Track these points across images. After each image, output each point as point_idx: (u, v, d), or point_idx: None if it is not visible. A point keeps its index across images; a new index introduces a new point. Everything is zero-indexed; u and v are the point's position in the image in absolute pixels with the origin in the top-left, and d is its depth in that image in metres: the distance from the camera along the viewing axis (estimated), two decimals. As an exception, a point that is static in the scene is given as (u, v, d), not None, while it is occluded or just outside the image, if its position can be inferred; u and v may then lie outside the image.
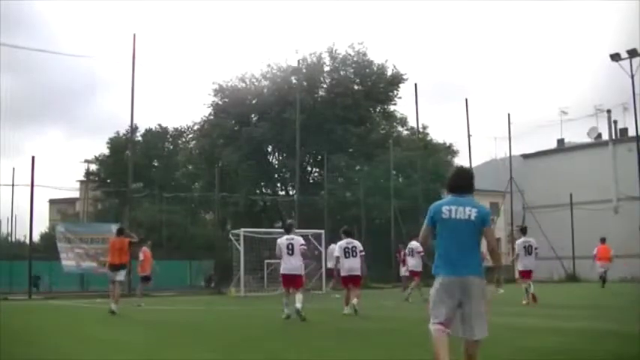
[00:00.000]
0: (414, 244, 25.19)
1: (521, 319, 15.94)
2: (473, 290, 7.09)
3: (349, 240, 19.29)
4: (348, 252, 19.04)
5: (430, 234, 7.48)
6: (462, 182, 7.46)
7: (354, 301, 18.21)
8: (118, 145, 55.74)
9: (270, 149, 53.01)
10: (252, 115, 52.36)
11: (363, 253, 19.33)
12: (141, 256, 26.68)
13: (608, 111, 56.19)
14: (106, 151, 57.80)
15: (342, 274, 19.06)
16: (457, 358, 7.17)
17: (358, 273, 18.98)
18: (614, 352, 10.55)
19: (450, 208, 7.25)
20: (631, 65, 46.40)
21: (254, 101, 51.72)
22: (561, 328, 13.84)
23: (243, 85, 52.09)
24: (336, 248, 19.88)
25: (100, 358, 10.98)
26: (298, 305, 16.46)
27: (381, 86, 53.38)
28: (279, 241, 17.82)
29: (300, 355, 10.85)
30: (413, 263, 25.76)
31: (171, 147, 59.24)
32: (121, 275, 20.56)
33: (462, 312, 7.10)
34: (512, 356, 10.14)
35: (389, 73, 53.54)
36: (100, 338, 13.67)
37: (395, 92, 53.98)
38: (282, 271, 17.66)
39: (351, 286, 18.73)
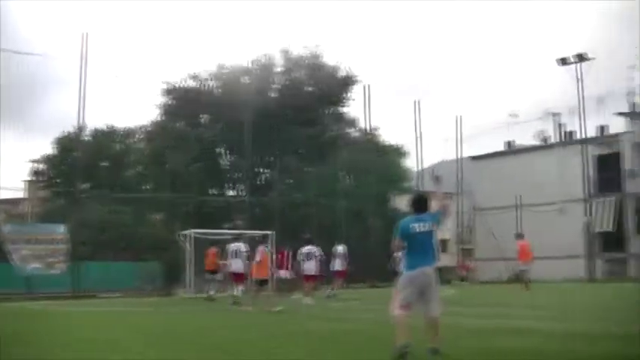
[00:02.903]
0: (341, 247, 27.04)
1: (484, 321, 16.07)
2: (431, 279, 9.92)
3: (309, 247, 25.16)
4: (309, 256, 24.88)
5: (400, 243, 10.13)
6: (422, 204, 10.30)
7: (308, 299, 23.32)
8: (65, 144, 54.94)
9: (220, 150, 52.69)
10: (203, 116, 52.06)
11: (321, 257, 25.32)
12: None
13: (556, 114, 56.97)
14: (53, 151, 56.97)
15: (304, 273, 24.70)
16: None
17: (314, 273, 24.97)
18: (580, 351, 10.73)
19: (415, 224, 10.05)
20: (577, 70, 47.21)
21: (204, 101, 51.39)
22: (525, 329, 13.95)
23: (195, 84, 51.68)
24: (301, 252, 25.28)
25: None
26: (235, 293, 24.37)
27: (333, 88, 53.35)
28: (228, 246, 24.52)
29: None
30: (338, 264, 26.74)
31: (121, 147, 58.55)
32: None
33: (423, 297, 9.86)
34: (475, 357, 10.23)
35: (341, 74, 53.54)
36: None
37: (347, 94, 53.99)
38: (230, 269, 24.53)
39: (309, 283, 24.74)
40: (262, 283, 21.47)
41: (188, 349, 11.99)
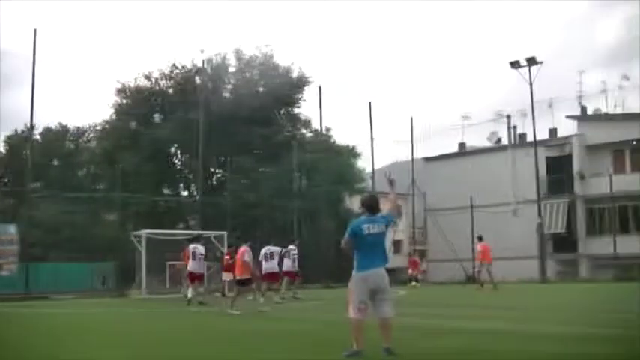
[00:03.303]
0: (292, 247, 28.08)
1: (429, 320, 16.17)
2: (382, 280, 9.99)
3: (268, 247, 25.68)
4: (267, 256, 25.31)
5: (351, 243, 10.13)
6: (374, 205, 10.36)
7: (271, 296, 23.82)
8: (15, 143, 54.36)
9: (173, 150, 52.48)
10: (156, 116, 51.82)
11: (278, 256, 25.87)
12: None
13: (508, 117, 57.53)
14: (3, 150, 56.42)
15: (263, 272, 24.74)
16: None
17: (275, 271, 25.66)
18: (516, 350, 10.82)
19: (367, 225, 10.10)
20: (528, 73, 47.71)
21: (158, 101, 51.17)
22: (467, 329, 14.08)
23: (148, 83, 51.41)
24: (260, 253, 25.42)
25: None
26: (187, 293, 25.28)
27: (286, 88, 53.38)
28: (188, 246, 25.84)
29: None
30: (288, 264, 27.08)
31: (72, 146, 58.03)
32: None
33: (375, 298, 9.91)
34: (417, 357, 10.30)
35: (294, 75, 53.61)
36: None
37: (300, 94, 54.06)
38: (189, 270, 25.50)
39: (269, 281, 25.46)
40: (244, 282, 21.29)
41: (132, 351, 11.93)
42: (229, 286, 27.96)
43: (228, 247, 30.15)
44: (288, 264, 27.35)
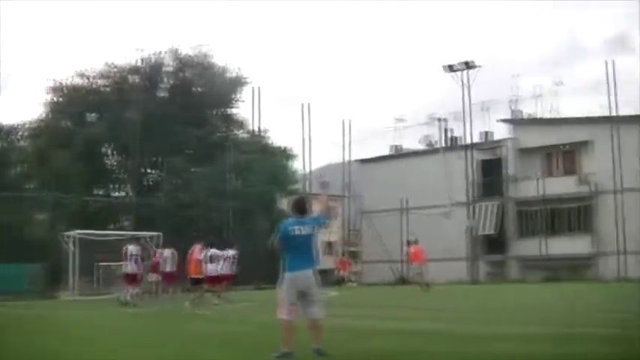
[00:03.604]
0: (232, 252, 27.60)
1: (361, 322, 16.26)
2: (311, 281, 10.15)
3: (214, 250, 25.37)
4: (211, 259, 24.93)
5: (280, 245, 10.33)
6: (302, 208, 10.59)
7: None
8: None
9: (107, 150, 51.87)
10: (90, 115, 51.16)
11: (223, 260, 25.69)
12: None
13: (442, 120, 58.06)
14: None
15: (208, 275, 24.57)
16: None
17: (218, 274, 25.19)
18: (446, 352, 10.95)
19: (296, 227, 10.29)
20: (464, 76, 48.24)
21: (92, 99, 50.52)
22: (399, 330, 14.19)
23: (82, 82, 50.73)
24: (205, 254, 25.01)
25: None
26: (124, 296, 24.44)
27: (222, 89, 53.20)
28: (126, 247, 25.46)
29: None
30: (227, 268, 26.81)
31: (3, 145, 56.98)
32: None
33: (305, 299, 10.07)
34: (349, 359, 10.37)
35: (231, 75, 53.41)
36: None
37: (236, 95, 53.92)
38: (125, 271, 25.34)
39: (211, 284, 24.88)
40: (197, 282, 21.13)
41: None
42: (155, 288, 27.92)
43: (156, 247, 30.13)
44: (227, 267, 27.25)
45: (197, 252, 21.07)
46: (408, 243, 34.67)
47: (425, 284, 32.32)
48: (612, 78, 44.31)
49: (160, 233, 35.02)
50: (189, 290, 22.71)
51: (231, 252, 27.73)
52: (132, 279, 25.44)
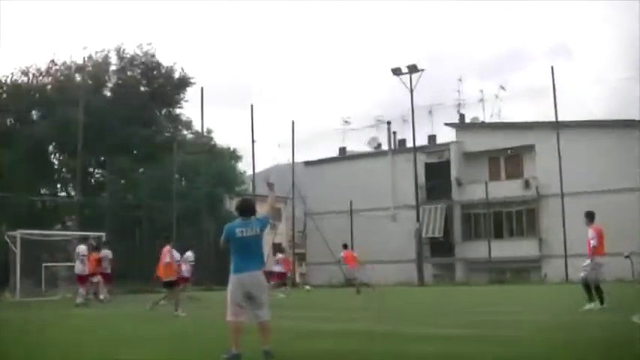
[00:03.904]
0: (189, 253, 28.34)
1: (306, 323, 16.31)
2: (258, 282, 10.22)
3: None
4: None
5: (227, 246, 10.37)
6: (248, 208, 10.59)
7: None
8: None
9: (51, 149, 51.32)
10: (34, 113, 50.57)
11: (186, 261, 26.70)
12: None
13: (388, 122, 58.43)
14: None
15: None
16: None
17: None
18: (384, 352, 11.04)
19: (240, 229, 10.33)
20: (410, 80, 48.53)
21: (36, 97, 49.93)
22: (342, 331, 14.31)
23: (25, 79, 50.15)
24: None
25: None
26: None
27: (168, 89, 53.05)
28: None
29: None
30: (185, 270, 26.92)
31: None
32: None
33: (252, 301, 10.09)
34: (293, 359, 10.44)
35: (177, 75, 53.29)
36: None
37: (182, 95, 53.80)
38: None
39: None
40: (171, 284, 20.66)
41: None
42: (96, 288, 27.79)
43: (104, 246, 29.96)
44: (186, 270, 27.28)
45: (166, 254, 20.41)
46: (345, 247, 34.93)
47: (358, 287, 32.47)
48: (553, 84, 44.72)
49: (103, 233, 34.72)
50: (167, 296, 22.18)
51: (189, 254, 27.80)
52: (83, 279, 25.42)
